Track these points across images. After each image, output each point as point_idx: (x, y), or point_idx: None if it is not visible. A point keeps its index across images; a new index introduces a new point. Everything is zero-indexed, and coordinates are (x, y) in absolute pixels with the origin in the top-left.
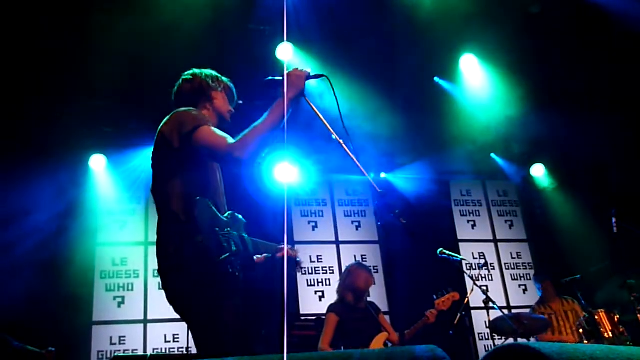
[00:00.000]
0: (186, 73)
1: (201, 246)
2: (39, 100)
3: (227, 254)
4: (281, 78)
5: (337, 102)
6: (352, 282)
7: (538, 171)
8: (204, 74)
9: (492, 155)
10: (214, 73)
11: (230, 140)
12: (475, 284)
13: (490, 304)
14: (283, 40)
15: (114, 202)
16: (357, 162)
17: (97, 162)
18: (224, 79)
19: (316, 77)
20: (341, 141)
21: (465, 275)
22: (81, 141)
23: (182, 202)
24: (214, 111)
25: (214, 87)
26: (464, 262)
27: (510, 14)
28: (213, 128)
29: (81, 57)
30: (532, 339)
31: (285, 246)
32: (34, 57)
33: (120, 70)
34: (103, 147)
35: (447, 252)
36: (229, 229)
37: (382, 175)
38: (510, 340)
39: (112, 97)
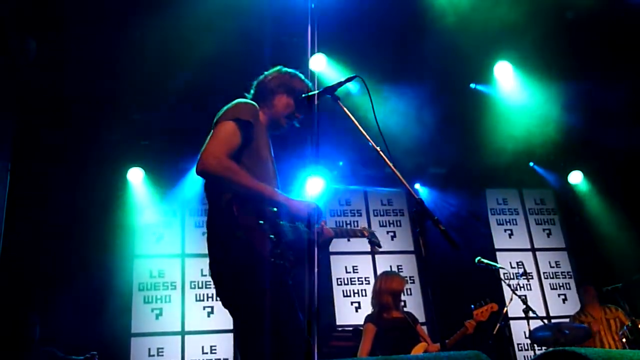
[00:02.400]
0: (269, 71)
1: (242, 242)
2: (78, 114)
3: (270, 248)
4: (316, 91)
5: (373, 107)
6: (387, 286)
7: (576, 178)
8: (273, 77)
9: (530, 163)
10: (291, 75)
11: (224, 152)
12: (514, 293)
13: (530, 314)
14: (315, 52)
15: (151, 214)
16: (394, 169)
17: (135, 175)
18: (303, 83)
19: (349, 79)
20: (378, 148)
21: (503, 284)
22: (119, 154)
23: (224, 198)
24: (269, 115)
25: (279, 92)
26: (502, 272)
27: (548, 20)
28: (235, 129)
29: (120, 70)
30: None
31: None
32: (75, 69)
33: (155, 83)
34: (141, 160)
35: (485, 260)
36: (278, 219)
37: (417, 186)
38: None
39: (149, 110)
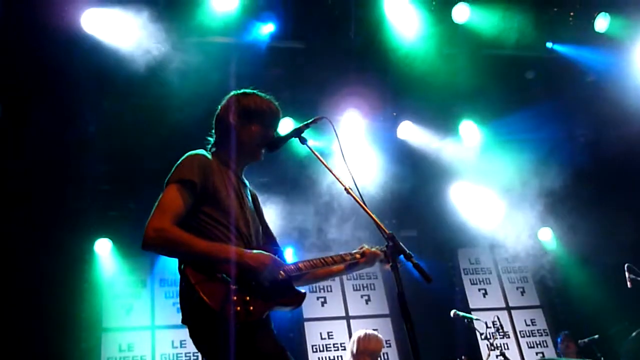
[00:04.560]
0: (222, 101)
1: (196, 299)
2: (46, 185)
3: (225, 295)
4: (282, 135)
5: (340, 147)
6: (366, 347)
7: (545, 235)
8: (227, 108)
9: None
10: (246, 96)
11: (167, 221)
12: (490, 347)
13: None
14: None
15: (119, 286)
16: (363, 205)
17: (103, 247)
18: (261, 99)
19: (315, 121)
20: (347, 186)
21: (480, 342)
22: (87, 225)
23: (180, 263)
24: (238, 152)
25: (239, 123)
26: (478, 331)
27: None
28: (178, 192)
29: (87, 142)
30: None
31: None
32: (40, 143)
33: (125, 154)
34: (108, 231)
35: (461, 312)
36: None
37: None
38: None
39: (117, 181)
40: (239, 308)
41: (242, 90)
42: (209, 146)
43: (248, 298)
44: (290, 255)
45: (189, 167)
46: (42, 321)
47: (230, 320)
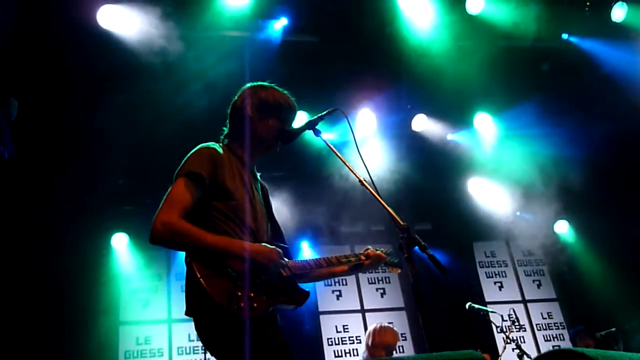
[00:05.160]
0: (238, 92)
1: (202, 293)
2: (62, 180)
3: (230, 290)
4: (296, 128)
5: (355, 138)
6: (382, 340)
7: (562, 228)
8: (244, 100)
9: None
10: (264, 89)
11: (175, 215)
12: (506, 340)
13: (525, 358)
14: None
15: (136, 280)
16: (377, 197)
17: (119, 241)
18: (279, 94)
19: (329, 113)
20: (362, 178)
21: (495, 335)
22: (103, 220)
23: (187, 256)
24: (252, 145)
25: (257, 117)
26: (493, 323)
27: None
28: (186, 185)
29: (103, 136)
30: None
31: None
32: (58, 138)
33: (140, 147)
34: (125, 226)
35: (476, 305)
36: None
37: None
38: None
39: (133, 175)
40: (243, 304)
41: (259, 83)
42: (222, 137)
43: (252, 294)
44: (306, 249)
45: (198, 160)
46: (60, 315)
47: (234, 315)
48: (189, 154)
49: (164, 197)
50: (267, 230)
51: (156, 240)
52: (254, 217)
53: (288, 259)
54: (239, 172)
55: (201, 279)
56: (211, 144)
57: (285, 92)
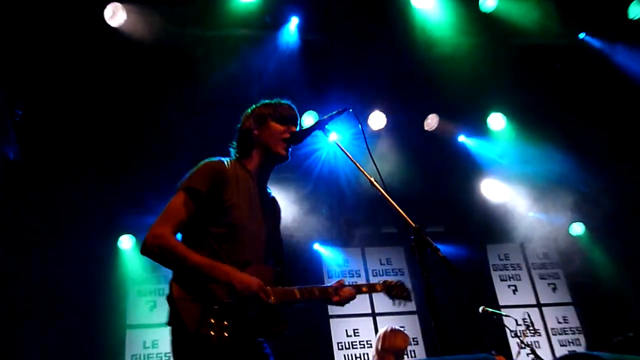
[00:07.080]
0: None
1: (174, 314)
2: (71, 182)
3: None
4: (306, 127)
5: (366, 139)
6: (392, 344)
7: (577, 231)
8: (249, 116)
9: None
10: (266, 105)
11: (168, 229)
12: (520, 345)
13: None
14: None
15: (143, 283)
16: (389, 198)
17: (126, 243)
18: (282, 105)
19: (340, 112)
20: (372, 179)
21: (509, 338)
22: (110, 222)
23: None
24: (259, 155)
25: (259, 124)
26: (507, 327)
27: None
28: (184, 200)
29: (113, 137)
30: None
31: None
32: (61, 139)
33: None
34: (132, 228)
35: (490, 309)
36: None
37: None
38: None
39: (142, 176)
40: (212, 332)
41: (264, 101)
42: (234, 150)
43: (226, 322)
44: (318, 251)
45: (199, 176)
46: (67, 318)
47: (203, 341)
48: (193, 168)
49: (164, 209)
50: (266, 250)
51: (146, 252)
52: (251, 239)
53: (281, 283)
54: (246, 186)
55: (176, 301)
56: (218, 158)
57: (282, 101)
